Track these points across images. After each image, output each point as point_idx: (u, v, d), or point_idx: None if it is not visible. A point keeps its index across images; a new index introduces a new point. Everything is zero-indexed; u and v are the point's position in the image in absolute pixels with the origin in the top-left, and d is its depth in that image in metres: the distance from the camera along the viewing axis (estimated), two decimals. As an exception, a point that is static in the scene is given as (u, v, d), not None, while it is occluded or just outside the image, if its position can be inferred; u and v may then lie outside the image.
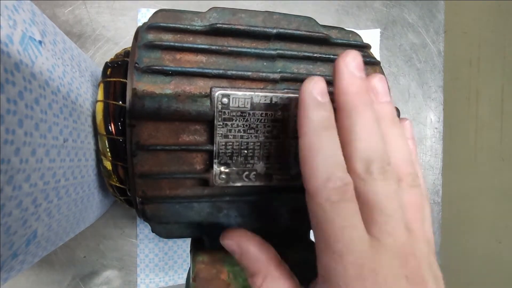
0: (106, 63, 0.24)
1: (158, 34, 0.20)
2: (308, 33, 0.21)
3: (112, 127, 0.22)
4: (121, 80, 0.23)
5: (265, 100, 0.19)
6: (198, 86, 0.19)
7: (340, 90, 0.16)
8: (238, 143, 0.20)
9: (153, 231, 0.21)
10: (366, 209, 0.16)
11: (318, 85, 0.16)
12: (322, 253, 0.15)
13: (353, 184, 0.15)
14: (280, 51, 0.20)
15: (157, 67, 0.18)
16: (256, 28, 0.20)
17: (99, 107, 0.23)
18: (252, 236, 0.19)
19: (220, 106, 0.19)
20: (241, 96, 0.19)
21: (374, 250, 0.15)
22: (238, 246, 0.18)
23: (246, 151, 0.20)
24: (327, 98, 0.16)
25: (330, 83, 0.21)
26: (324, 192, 0.15)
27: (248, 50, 0.20)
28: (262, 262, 0.18)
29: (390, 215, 0.15)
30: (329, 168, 0.15)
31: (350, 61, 0.16)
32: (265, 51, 0.20)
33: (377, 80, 0.18)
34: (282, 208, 0.22)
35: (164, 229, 0.21)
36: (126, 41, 0.37)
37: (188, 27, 0.20)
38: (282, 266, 0.18)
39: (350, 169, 0.16)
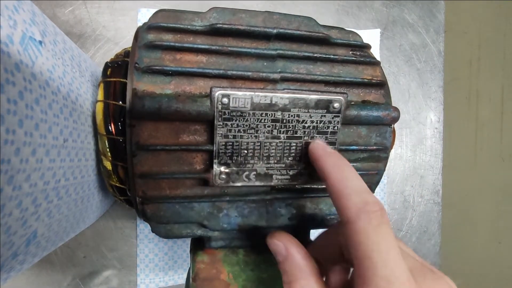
0: (106, 63, 0.24)
1: (158, 34, 0.20)
2: (308, 33, 0.21)
3: (112, 127, 0.22)
4: (121, 80, 0.23)
5: (265, 100, 0.19)
6: (198, 86, 0.19)
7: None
8: (238, 143, 0.20)
9: (153, 231, 0.21)
10: None
11: (321, 143, 0.20)
12: (368, 283, 0.14)
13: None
14: (280, 51, 0.20)
15: (157, 67, 0.18)
16: (256, 28, 0.20)
17: (99, 107, 0.23)
18: (300, 245, 0.19)
19: (220, 106, 0.19)
20: (241, 96, 0.19)
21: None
22: (285, 249, 0.18)
23: (246, 151, 0.20)
24: (333, 149, 0.19)
25: (330, 83, 0.21)
26: (366, 216, 0.15)
27: (248, 50, 0.20)
28: (305, 272, 0.18)
29: None
30: (363, 194, 0.16)
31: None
32: (265, 51, 0.20)
33: None
34: (282, 208, 0.22)
35: (164, 229, 0.21)
36: (126, 41, 0.37)
37: (188, 27, 0.20)
38: (322, 282, 0.18)
39: None
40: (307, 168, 0.21)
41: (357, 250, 0.15)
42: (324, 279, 0.19)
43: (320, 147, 0.19)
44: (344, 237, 0.16)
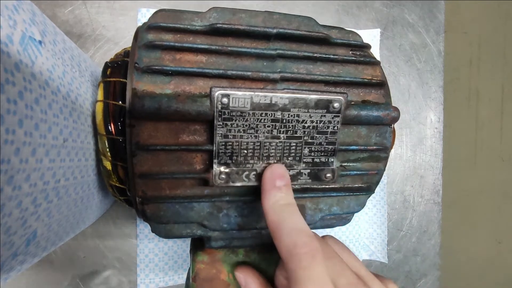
0: (106, 63, 0.24)
1: (158, 34, 0.20)
2: (308, 33, 0.21)
3: (112, 127, 0.22)
4: (121, 80, 0.23)
5: (265, 100, 0.19)
6: (198, 86, 0.19)
7: None
8: (238, 143, 0.20)
9: (153, 231, 0.21)
10: None
11: (276, 171, 0.20)
12: None
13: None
14: (280, 51, 0.20)
15: (157, 67, 0.18)
16: (256, 28, 0.20)
17: (99, 107, 0.23)
18: (258, 276, 0.22)
19: (220, 106, 0.19)
20: (241, 96, 0.19)
21: None
22: (244, 280, 0.22)
23: (246, 151, 0.20)
24: (284, 182, 0.20)
25: (330, 82, 0.21)
26: (295, 258, 0.16)
27: (248, 50, 0.20)
28: None
29: None
30: (293, 236, 0.17)
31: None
32: (265, 51, 0.20)
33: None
34: (282, 208, 0.22)
35: (164, 229, 0.21)
36: (126, 41, 0.37)
37: (188, 27, 0.20)
38: None
39: None
40: (307, 168, 0.21)
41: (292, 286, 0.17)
42: None
43: (271, 178, 0.20)
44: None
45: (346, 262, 0.20)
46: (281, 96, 0.19)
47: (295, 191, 0.22)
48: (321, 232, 0.41)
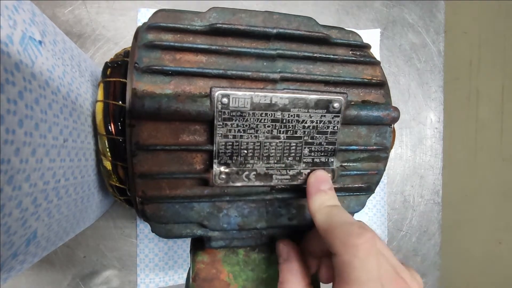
0: (106, 63, 0.24)
1: (158, 34, 0.20)
2: (308, 33, 0.21)
3: (112, 127, 0.22)
4: (121, 80, 0.23)
5: (265, 100, 0.19)
6: (198, 86, 0.19)
7: None
8: (238, 143, 0.20)
9: (153, 231, 0.21)
10: None
11: (320, 176, 0.20)
12: None
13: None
14: (280, 51, 0.20)
15: (157, 67, 0.18)
16: (256, 28, 0.20)
17: (99, 107, 0.23)
18: (299, 253, 0.21)
19: (220, 106, 0.19)
20: (241, 96, 0.19)
21: None
22: (287, 254, 0.21)
23: (246, 151, 0.20)
24: (328, 186, 0.20)
25: (329, 83, 0.21)
26: (351, 249, 0.16)
27: (248, 50, 0.20)
28: (296, 276, 0.20)
29: None
30: (346, 228, 0.16)
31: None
32: (265, 51, 0.20)
33: None
34: (282, 208, 0.22)
35: (164, 229, 0.21)
36: (126, 41, 0.37)
37: (188, 27, 0.20)
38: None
39: None
40: (307, 168, 0.21)
41: (342, 278, 0.16)
42: (316, 270, 0.21)
43: (315, 182, 0.20)
44: (334, 264, 0.17)
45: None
46: (281, 96, 0.19)
47: (295, 191, 0.22)
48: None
